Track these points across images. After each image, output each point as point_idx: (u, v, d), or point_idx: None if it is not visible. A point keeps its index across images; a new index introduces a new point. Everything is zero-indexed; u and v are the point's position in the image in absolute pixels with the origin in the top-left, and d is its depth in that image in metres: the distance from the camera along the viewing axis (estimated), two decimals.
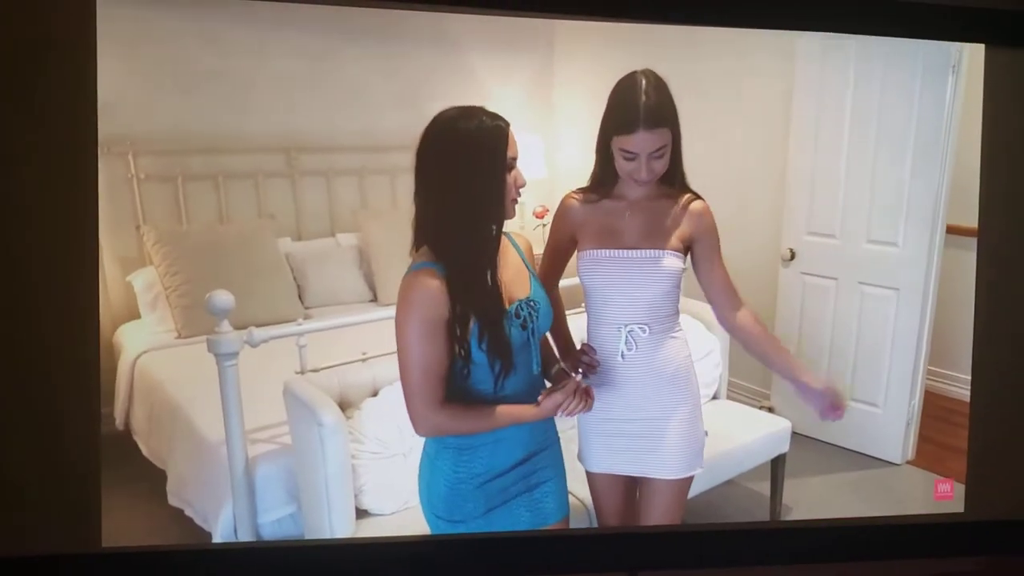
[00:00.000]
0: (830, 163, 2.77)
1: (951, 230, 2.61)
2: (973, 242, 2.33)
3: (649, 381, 1.84)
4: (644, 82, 1.70)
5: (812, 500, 2.63)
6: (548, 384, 1.78)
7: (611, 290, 1.82)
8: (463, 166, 1.57)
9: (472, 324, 1.58)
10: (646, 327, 1.80)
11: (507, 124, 1.61)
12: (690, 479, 1.92)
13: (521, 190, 1.64)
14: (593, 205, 1.84)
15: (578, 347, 1.90)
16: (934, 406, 2.77)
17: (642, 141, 1.70)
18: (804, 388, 1.86)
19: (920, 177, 2.62)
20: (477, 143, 1.57)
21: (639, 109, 1.69)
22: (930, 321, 2.68)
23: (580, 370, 1.84)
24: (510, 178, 1.61)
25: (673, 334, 1.86)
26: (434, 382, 1.60)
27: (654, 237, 1.80)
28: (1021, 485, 2.35)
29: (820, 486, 2.70)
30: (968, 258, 2.35)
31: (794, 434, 2.60)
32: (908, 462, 2.77)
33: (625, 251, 1.80)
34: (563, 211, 1.87)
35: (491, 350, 1.58)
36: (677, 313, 1.86)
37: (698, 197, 1.83)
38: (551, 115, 2.88)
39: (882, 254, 2.72)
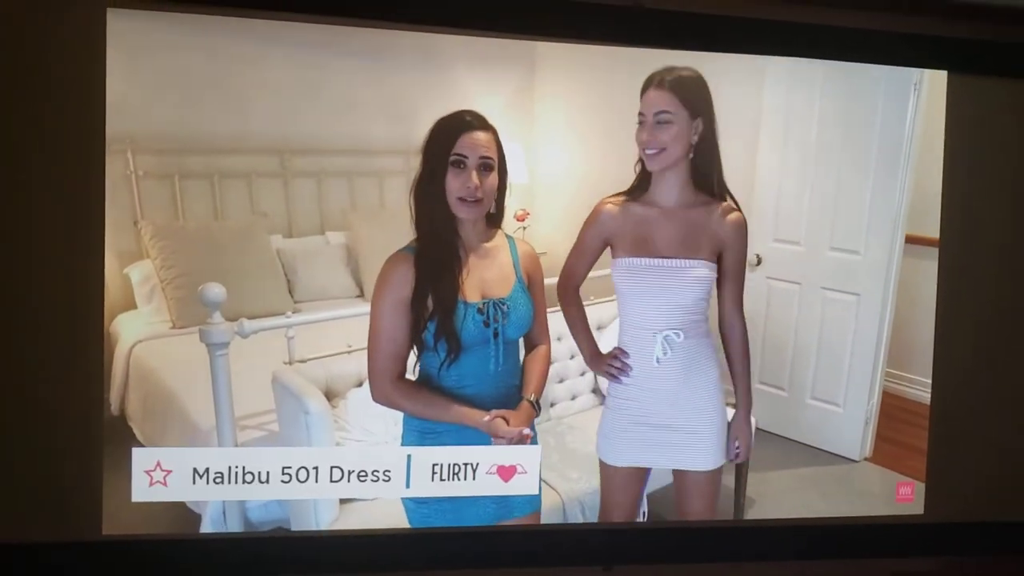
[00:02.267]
0: (796, 174, 2.82)
1: (910, 239, 2.67)
2: (931, 251, 2.42)
3: (683, 383, 1.89)
4: (674, 66, 1.80)
5: (775, 493, 2.68)
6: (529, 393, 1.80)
7: (645, 297, 1.86)
8: (423, 155, 1.68)
9: (428, 305, 1.65)
10: (680, 333, 1.85)
11: (466, 127, 1.65)
12: (722, 469, 1.98)
13: (473, 194, 1.65)
14: (628, 211, 1.88)
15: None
16: (891, 406, 2.82)
17: (650, 99, 1.79)
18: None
19: (881, 189, 2.67)
20: (429, 138, 1.67)
21: (658, 74, 1.80)
22: (889, 325, 2.73)
23: (611, 374, 1.89)
24: (456, 178, 1.65)
25: (706, 338, 1.90)
26: (390, 355, 1.68)
27: (687, 247, 1.84)
28: (978, 487, 2.42)
29: (782, 480, 2.75)
30: (925, 266, 2.44)
31: (758, 430, 2.64)
32: (866, 459, 2.82)
33: (659, 260, 1.84)
34: (597, 216, 1.91)
35: (437, 333, 1.65)
36: (707, 318, 1.91)
37: (736, 208, 1.88)
38: (532, 124, 2.94)
39: (844, 261, 2.77)
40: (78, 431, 1.98)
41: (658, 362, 1.87)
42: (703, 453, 1.93)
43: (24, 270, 1.95)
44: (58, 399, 1.97)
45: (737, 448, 1.98)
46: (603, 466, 2.00)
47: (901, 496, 2.44)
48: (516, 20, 2.14)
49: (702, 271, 1.85)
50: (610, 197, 1.92)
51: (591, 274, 1.98)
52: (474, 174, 1.65)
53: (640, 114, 1.82)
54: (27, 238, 1.95)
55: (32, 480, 1.98)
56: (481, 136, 1.67)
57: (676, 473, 2.00)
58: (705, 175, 1.86)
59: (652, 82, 1.81)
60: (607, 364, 1.92)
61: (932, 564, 2.47)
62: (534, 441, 1.86)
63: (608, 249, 1.93)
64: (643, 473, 2.01)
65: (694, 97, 1.81)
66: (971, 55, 2.36)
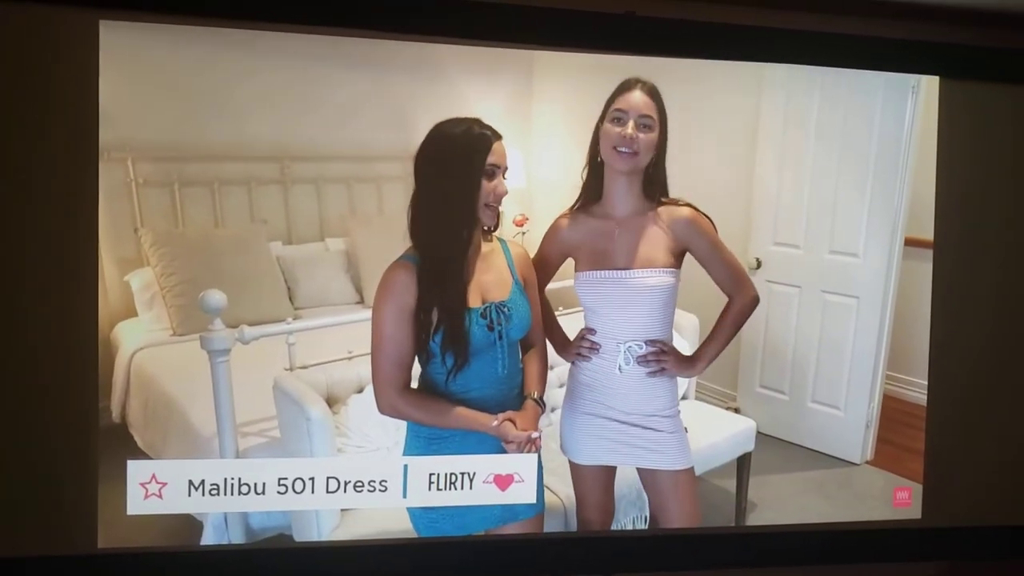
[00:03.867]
0: (795, 177, 2.83)
1: (909, 242, 2.67)
2: (930, 253, 2.43)
3: (643, 390, 1.91)
4: (643, 79, 1.84)
5: (776, 497, 2.69)
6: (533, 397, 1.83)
7: (608, 309, 1.88)
8: (440, 167, 1.68)
9: (434, 316, 1.66)
10: (643, 344, 1.88)
11: (494, 135, 1.69)
12: (691, 472, 1.99)
13: (500, 200, 1.71)
14: (584, 224, 1.91)
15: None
16: (892, 409, 2.82)
17: (636, 100, 1.80)
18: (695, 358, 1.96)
19: (880, 191, 2.68)
20: (456, 147, 1.67)
21: (635, 80, 1.83)
22: (888, 328, 2.74)
23: (583, 355, 1.91)
24: (488, 185, 1.68)
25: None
26: (396, 365, 1.69)
27: (644, 256, 1.86)
28: (975, 491, 2.43)
29: (783, 484, 2.75)
30: (925, 268, 2.44)
31: (759, 434, 2.67)
32: (867, 462, 2.82)
33: (618, 272, 1.86)
34: (554, 232, 1.95)
35: (444, 343, 1.66)
36: (672, 325, 1.93)
37: (683, 205, 1.89)
38: (530, 130, 2.96)
39: (843, 264, 2.78)
40: (72, 442, 1.98)
41: (621, 371, 1.90)
42: (661, 452, 1.95)
43: (17, 281, 1.96)
44: (52, 410, 1.97)
45: (660, 353, 1.91)
46: (571, 464, 2.03)
47: (898, 501, 2.44)
48: (510, 30, 2.15)
49: (663, 278, 1.86)
50: (565, 212, 1.95)
51: (565, 284, 2.00)
52: (503, 181, 1.71)
53: (619, 110, 1.82)
54: (20, 248, 1.95)
55: (25, 492, 1.97)
56: (503, 146, 1.72)
57: (643, 475, 2.01)
58: (656, 183, 1.88)
59: (634, 85, 1.83)
60: (577, 346, 1.93)
61: (930, 569, 2.49)
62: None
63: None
64: (610, 469, 2.03)
65: (663, 108, 1.85)
66: (963, 61, 2.39)
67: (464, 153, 1.67)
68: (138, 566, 2.05)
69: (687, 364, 1.95)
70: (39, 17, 1.92)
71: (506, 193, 1.72)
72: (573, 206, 1.95)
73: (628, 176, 1.86)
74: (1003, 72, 2.40)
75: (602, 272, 1.88)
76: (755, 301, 1.97)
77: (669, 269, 1.87)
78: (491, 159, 1.68)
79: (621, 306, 1.88)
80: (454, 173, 1.68)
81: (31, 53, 1.93)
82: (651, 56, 2.14)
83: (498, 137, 1.71)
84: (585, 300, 1.92)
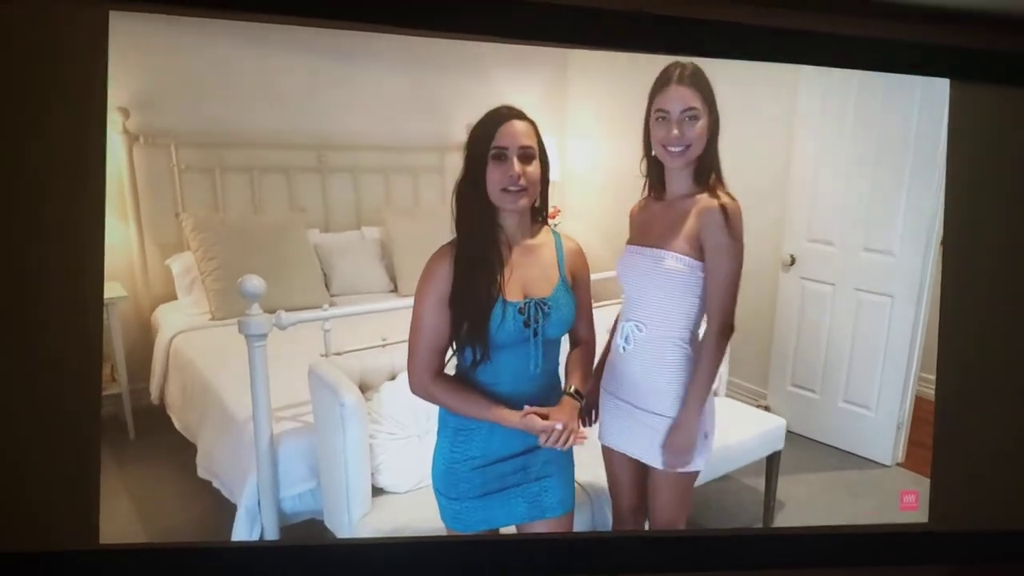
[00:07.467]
0: (830, 174, 2.80)
1: None
2: None
3: (642, 380, 1.86)
4: (683, 62, 1.80)
5: (804, 497, 2.67)
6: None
7: (624, 285, 1.87)
8: (465, 154, 1.69)
9: (462, 307, 1.66)
10: (643, 326, 1.83)
11: (505, 117, 1.66)
12: (685, 476, 1.91)
13: (516, 183, 1.64)
14: (643, 207, 1.91)
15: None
16: (925, 411, 2.76)
17: (674, 96, 1.76)
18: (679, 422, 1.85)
19: (917, 190, 2.65)
20: (471, 134, 1.69)
21: (674, 69, 1.79)
22: (923, 328, 2.71)
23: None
24: (497, 169, 1.65)
25: (678, 343, 1.84)
26: (431, 350, 1.68)
27: (663, 236, 1.81)
28: (982, 495, 2.40)
29: (813, 484, 2.73)
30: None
31: (789, 433, 2.64)
32: (898, 464, 2.80)
33: (636, 247, 1.85)
34: (631, 215, 1.94)
35: (466, 336, 1.66)
36: (689, 323, 1.83)
37: (718, 196, 1.78)
38: (564, 122, 2.96)
39: (878, 262, 2.75)
40: (75, 439, 1.95)
41: (623, 350, 1.87)
42: (655, 452, 1.88)
43: (20, 270, 1.93)
44: (54, 406, 1.94)
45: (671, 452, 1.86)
46: (602, 447, 2.02)
47: (905, 504, 2.41)
48: (518, 27, 2.12)
49: (669, 262, 1.79)
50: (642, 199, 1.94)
51: (601, 276, 1.98)
52: (516, 163, 1.64)
53: (661, 110, 1.78)
54: (26, 239, 1.93)
55: (24, 486, 1.94)
56: (520, 126, 1.66)
57: (649, 473, 1.97)
58: (709, 167, 1.82)
59: (672, 78, 1.78)
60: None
61: (935, 572, 2.45)
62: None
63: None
64: (633, 460, 1.97)
65: (709, 91, 1.80)
66: (972, 64, 2.35)
67: (474, 140, 1.68)
68: (140, 563, 2.03)
69: (682, 424, 1.86)
70: (49, 7, 1.90)
71: (520, 175, 1.64)
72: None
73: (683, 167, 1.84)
74: (1013, 75, 2.36)
75: (629, 246, 1.88)
76: (729, 330, 1.82)
77: (683, 256, 1.79)
78: (497, 142, 1.65)
79: (631, 283, 1.86)
80: (469, 160, 1.68)
81: (41, 42, 1.91)
82: (661, 55, 2.11)
83: (511, 118, 1.66)
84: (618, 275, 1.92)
